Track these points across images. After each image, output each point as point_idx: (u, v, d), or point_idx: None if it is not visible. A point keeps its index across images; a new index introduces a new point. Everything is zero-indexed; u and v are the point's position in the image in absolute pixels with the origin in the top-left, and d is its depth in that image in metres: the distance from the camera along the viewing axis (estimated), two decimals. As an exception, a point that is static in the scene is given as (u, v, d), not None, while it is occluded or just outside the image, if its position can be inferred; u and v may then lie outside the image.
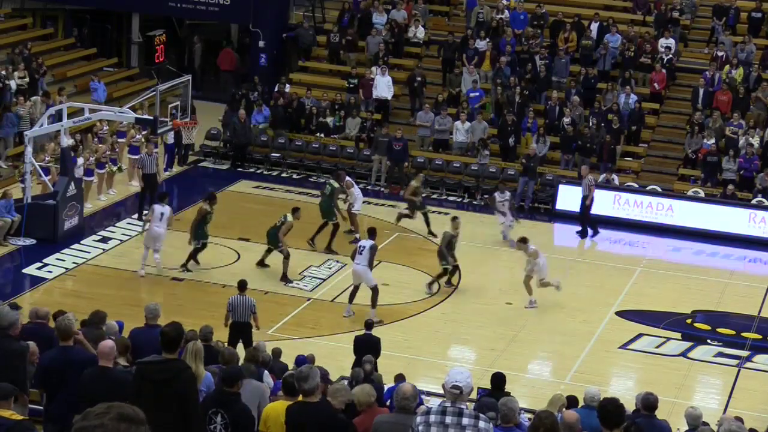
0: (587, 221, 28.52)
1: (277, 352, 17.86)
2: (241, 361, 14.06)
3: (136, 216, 27.69)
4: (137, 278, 24.54)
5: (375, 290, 22.92)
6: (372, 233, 23.56)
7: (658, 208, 29.45)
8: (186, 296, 23.43)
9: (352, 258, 23.24)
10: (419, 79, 33.33)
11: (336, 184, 26.74)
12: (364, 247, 22.91)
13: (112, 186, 29.35)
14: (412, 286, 24.75)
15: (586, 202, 28.21)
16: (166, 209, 24.65)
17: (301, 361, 17.22)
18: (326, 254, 26.08)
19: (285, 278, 24.47)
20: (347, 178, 27.54)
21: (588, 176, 28.50)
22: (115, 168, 29.23)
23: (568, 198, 29.28)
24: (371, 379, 15.83)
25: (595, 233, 28.55)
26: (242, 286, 20.51)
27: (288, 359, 17.90)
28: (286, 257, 24.38)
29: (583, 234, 28.54)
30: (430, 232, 27.14)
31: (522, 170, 30.17)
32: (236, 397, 10.38)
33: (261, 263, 24.99)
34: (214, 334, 16.23)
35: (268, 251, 24.84)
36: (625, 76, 32.75)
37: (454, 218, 24.97)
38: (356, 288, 23.15)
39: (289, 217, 24.53)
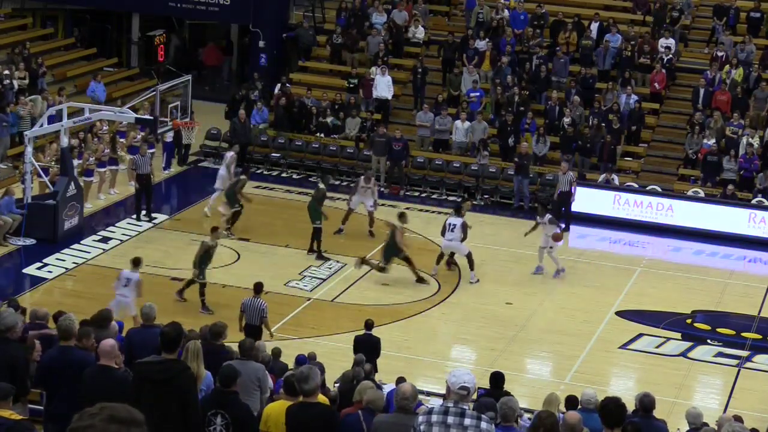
0: (569, 216, 28.73)
1: (277, 352, 17.86)
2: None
3: (135, 216, 27.72)
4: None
5: (469, 256, 25.05)
6: (458, 212, 25.36)
7: (658, 208, 29.45)
8: (186, 296, 23.40)
9: (442, 234, 25.14)
10: (420, 70, 33.34)
11: (322, 186, 26.60)
12: (454, 225, 24.93)
13: (114, 186, 29.38)
14: (412, 286, 24.76)
15: (571, 199, 28.39)
16: (229, 154, 28.31)
17: (301, 360, 17.23)
18: (318, 260, 25.92)
19: (420, 280, 24.92)
20: (368, 172, 28.36)
21: (568, 172, 28.60)
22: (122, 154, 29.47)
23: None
24: (371, 380, 15.83)
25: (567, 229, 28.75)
26: (257, 288, 20.50)
27: (288, 359, 17.91)
28: (409, 261, 24.78)
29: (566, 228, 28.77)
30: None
31: (515, 169, 30.24)
32: (235, 396, 10.36)
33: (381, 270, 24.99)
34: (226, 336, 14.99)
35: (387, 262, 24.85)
36: (625, 76, 32.75)
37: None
38: (443, 255, 25.42)
39: (398, 224, 24.72)
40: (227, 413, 10.12)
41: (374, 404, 10.81)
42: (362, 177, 28.06)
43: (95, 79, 33.30)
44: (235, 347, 13.96)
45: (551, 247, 25.54)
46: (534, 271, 25.86)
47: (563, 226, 28.59)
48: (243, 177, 27.45)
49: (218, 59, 39.40)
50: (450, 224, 25.07)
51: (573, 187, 28.48)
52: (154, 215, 27.86)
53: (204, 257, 22.92)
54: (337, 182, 31.47)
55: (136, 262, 21.53)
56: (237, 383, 10.44)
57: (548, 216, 25.59)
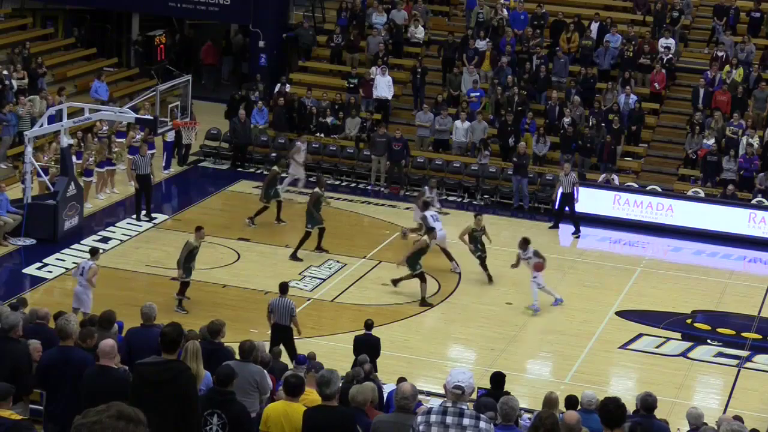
0: (574, 218, 28.69)
1: (277, 352, 17.85)
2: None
3: (135, 217, 27.73)
4: (137, 278, 24.60)
5: (445, 250, 25.48)
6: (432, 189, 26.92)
7: (658, 208, 29.45)
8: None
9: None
10: (420, 70, 33.33)
11: (317, 189, 26.35)
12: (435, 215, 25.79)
13: (114, 186, 29.39)
14: (411, 286, 24.73)
15: (574, 200, 28.42)
16: (303, 145, 29.92)
17: (301, 360, 17.22)
18: (291, 260, 25.75)
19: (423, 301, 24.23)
20: (431, 180, 28.43)
21: (571, 173, 28.56)
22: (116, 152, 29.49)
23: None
24: (371, 379, 15.83)
25: (576, 231, 28.74)
26: (283, 288, 20.50)
27: (288, 359, 17.90)
28: (423, 280, 24.09)
29: (576, 232, 28.70)
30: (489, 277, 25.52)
31: (514, 169, 30.25)
32: (232, 396, 10.36)
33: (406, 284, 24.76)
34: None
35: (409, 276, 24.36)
36: (625, 76, 32.75)
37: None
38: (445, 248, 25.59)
39: (426, 239, 24.28)
40: (224, 413, 10.12)
41: (355, 399, 10.81)
42: (426, 187, 27.64)
43: (98, 79, 33.30)
44: (235, 347, 13.96)
45: (535, 277, 23.89)
46: (554, 303, 24.41)
47: (567, 228, 28.58)
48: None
49: (216, 58, 39.43)
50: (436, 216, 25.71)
51: (575, 189, 28.40)
52: (154, 215, 27.86)
53: (189, 257, 22.89)
54: (338, 182, 31.51)
55: (93, 252, 21.86)
56: (234, 384, 10.44)
57: (531, 250, 23.90)
